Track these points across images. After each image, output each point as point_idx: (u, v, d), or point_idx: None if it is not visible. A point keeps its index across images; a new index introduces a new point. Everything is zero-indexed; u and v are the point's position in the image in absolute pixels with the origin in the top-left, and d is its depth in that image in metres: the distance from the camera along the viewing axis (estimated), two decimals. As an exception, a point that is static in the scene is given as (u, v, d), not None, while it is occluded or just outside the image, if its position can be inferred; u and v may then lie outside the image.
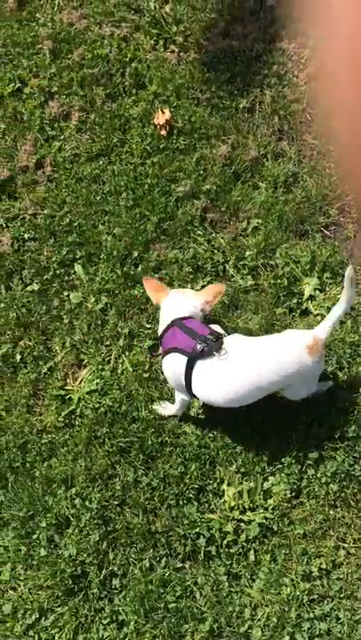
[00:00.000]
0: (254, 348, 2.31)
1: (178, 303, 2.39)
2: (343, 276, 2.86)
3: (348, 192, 2.76)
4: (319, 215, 2.93)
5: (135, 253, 2.89)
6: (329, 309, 2.78)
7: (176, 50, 3.21)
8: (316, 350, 2.24)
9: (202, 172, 3.00)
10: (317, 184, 2.95)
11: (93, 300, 2.84)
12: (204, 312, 2.42)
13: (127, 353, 2.75)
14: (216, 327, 2.44)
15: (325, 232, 2.94)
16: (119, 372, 2.73)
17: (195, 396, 2.37)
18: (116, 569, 2.44)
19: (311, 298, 2.81)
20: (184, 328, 2.30)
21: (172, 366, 2.34)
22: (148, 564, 2.43)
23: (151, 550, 2.46)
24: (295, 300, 2.80)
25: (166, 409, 2.60)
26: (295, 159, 3.02)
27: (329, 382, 2.57)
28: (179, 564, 2.44)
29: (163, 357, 2.40)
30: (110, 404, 2.65)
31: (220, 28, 3.22)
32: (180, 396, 2.47)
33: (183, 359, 2.28)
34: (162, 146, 3.04)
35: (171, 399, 2.62)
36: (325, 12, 0.68)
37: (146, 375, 2.69)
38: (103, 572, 2.43)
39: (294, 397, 2.43)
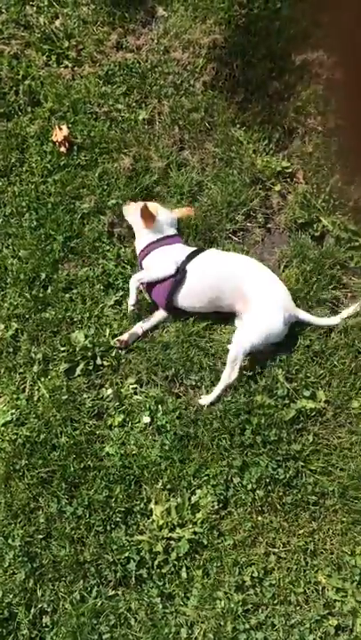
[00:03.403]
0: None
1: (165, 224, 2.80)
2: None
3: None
4: (226, 222, 2.94)
5: (43, 275, 2.81)
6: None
7: (70, 65, 3.15)
8: None
9: (106, 186, 2.95)
10: (222, 191, 2.96)
11: (3, 326, 2.74)
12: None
13: (43, 379, 2.66)
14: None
15: (234, 238, 2.95)
16: (35, 399, 2.63)
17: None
18: (45, 606, 2.34)
19: (225, 305, 2.81)
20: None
21: (172, 253, 2.73)
22: (78, 596, 2.34)
23: (81, 581, 2.37)
24: (209, 309, 2.79)
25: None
26: (198, 168, 3.02)
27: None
28: (111, 592, 2.36)
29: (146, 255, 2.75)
30: (28, 433, 2.55)
31: (113, 40, 3.19)
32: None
33: (186, 249, 2.74)
34: (62, 163, 2.98)
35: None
36: None
37: (64, 398, 2.60)
38: (32, 610, 2.33)
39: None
